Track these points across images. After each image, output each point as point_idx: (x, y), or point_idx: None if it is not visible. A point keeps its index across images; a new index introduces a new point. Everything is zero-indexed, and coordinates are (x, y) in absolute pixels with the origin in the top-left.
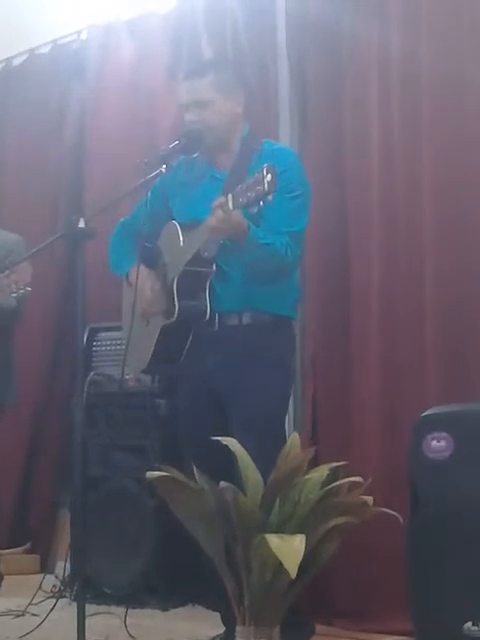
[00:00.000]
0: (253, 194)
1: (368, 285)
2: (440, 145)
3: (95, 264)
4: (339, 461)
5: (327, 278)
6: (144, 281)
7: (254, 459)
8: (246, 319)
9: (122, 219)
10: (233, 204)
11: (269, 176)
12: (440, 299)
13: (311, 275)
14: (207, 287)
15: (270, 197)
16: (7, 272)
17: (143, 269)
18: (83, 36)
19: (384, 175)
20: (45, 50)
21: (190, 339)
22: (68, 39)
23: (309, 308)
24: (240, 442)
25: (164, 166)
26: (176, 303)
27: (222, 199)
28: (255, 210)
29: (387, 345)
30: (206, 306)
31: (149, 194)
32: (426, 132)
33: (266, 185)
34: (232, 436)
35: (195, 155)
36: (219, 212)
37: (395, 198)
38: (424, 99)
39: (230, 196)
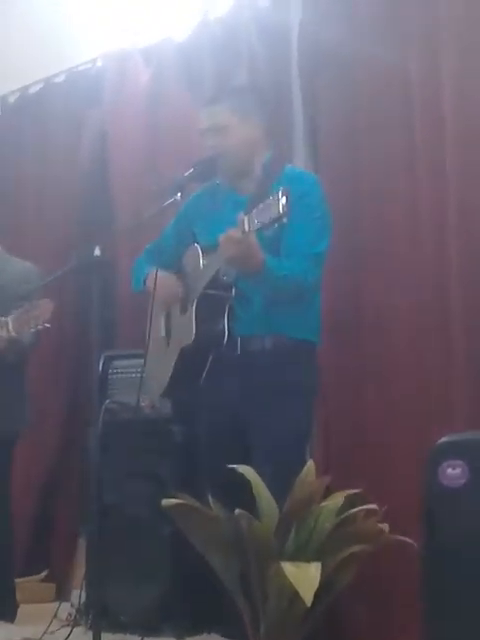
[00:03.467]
0: (267, 217)
1: (382, 310)
2: (462, 169)
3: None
4: (354, 488)
5: (338, 302)
6: (163, 280)
7: (271, 487)
8: (268, 344)
9: (147, 245)
10: (248, 225)
11: (284, 199)
12: (464, 328)
13: (322, 300)
14: (226, 311)
15: (285, 220)
16: (27, 307)
17: (162, 271)
18: (99, 64)
19: (403, 200)
20: (61, 78)
21: (209, 363)
22: (84, 67)
23: (327, 336)
24: (260, 470)
25: (179, 194)
26: (194, 326)
27: (239, 219)
28: (270, 233)
29: (402, 370)
30: (224, 330)
31: (174, 220)
32: (449, 155)
33: (281, 208)
34: (251, 463)
35: (218, 182)
36: (232, 233)
37: (413, 221)
38: (445, 120)
39: (246, 218)
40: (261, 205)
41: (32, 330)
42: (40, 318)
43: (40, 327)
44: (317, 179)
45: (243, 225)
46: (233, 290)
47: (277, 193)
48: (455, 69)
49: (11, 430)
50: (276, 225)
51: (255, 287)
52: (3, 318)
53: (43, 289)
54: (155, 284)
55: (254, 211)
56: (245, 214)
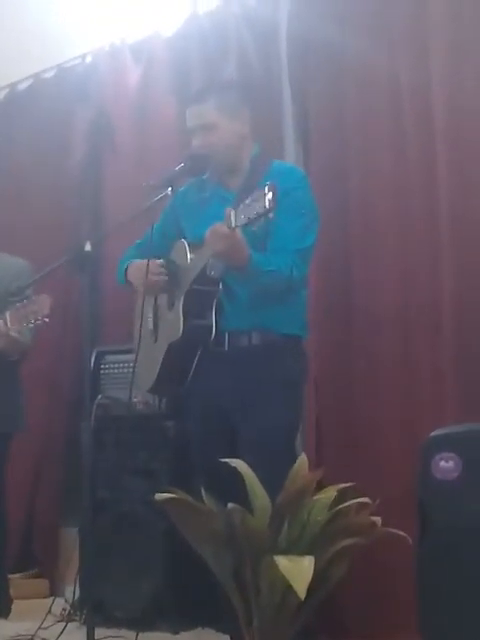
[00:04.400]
0: (254, 212)
1: (372, 305)
2: (452, 160)
3: (105, 287)
4: (347, 482)
5: (329, 297)
6: (139, 265)
7: (262, 480)
8: (256, 339)
9: (137, 241)
10: (235, 221)
11: (270, 194)
12: (453, 321)
13: (313, 295)
14: (214, 306)
15: (271, 215)
16: (25, 302)
17: (138, 260)
18: (88, 60)
19: (392, 195)
20: (50, 74)
21: (197, 359)
22: (73, 63)
23: (317, 331)
24: (249, 463)
25: (170, 189)
26: (181, 322)
27: (227, 212)
28: (257, 228)
29: (393, 365)
30: (212, 325)
31: (161, 215)
32: (439, 146)
33: (267, 203)
34: (241, 456)
35: (205, 176)
36: (218, 227)
37: (405, 220)
38: (434, 116)
39: (232, 213)
40: (248, 200)
41: (31, 325)
42: (39, 313)
43: (39, 322)
44: (304, 174)
45: (230, 219)
46: (220, 285)
47: (263, 188)
48: (443, 62)
49: (7, 428)
50: (263, 220)
51: (242, 282)
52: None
53: (35, 285)
54: (147, 271)
55: (241, 206)
56: (232, 209)
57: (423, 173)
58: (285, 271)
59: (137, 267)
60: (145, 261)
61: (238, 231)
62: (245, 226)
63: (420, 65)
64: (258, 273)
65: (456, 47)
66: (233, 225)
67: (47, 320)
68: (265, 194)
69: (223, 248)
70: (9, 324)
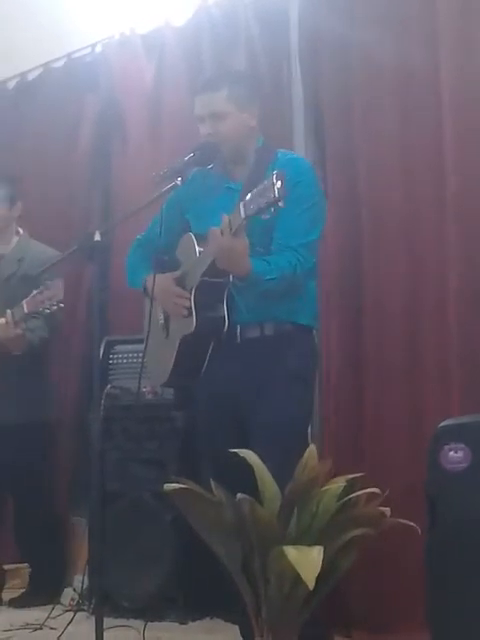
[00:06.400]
0: (263, 201)
1: (387, 299)
2: (462, 158)
3: (114, 276)
4: (356, 473)
5: (346, 292)
6: (162, 285)
7: (272, 471)
8: (268, 330)
9: (137, 236)
10: (244, 212)
11: (279, 182)
12: (461, 313)
13: (324, 288)
14: (225, 298)
15: (281, 203)
16: (41, 288)
17: (160, 276)
18: (98, 49)
19: (403, 189)
20: (60, 64)
21: (210, 351)
22: (83, 53)
23: (327, 322)
24: (258, 453)
25: (179, 178)
26: (194, 314)
27: (226, 218)
28: (267, 217)
29: (404, 356)
30: (224, 317)
31: (163, 208)
32: (447, 144)
33: (276, 192)
34: (250, 447)
35: (210, 167)
36: (219, 232)
37: (414, 212)
38: (444, 112)
39: (241, 204)
40: (256, 189)
41: (47, 311)
42: (54, 298)
43: (54, 307)
44: (310, 165)
45: (239, 212)
46: (231, 276)
47: (272, 176)
48: (454, 54)
49: (37, 417)
50: (272, 209)
51: (243, 289)
52: (9, 310)
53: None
54: (152, 294)
55: (249, 196)
56: (240, 201)
57: (433, 160)
58: (288, 273)
59: (161, 287)
60: (164, 278)
61: (237, 240)
62: (255, 215)
63: (431, 53)
64: (260, 282)
65: (467, 34)
66: (231, 229)
67: (62, 305)
68: (274, 183)
69: (220, 254)
70: (16, 318)
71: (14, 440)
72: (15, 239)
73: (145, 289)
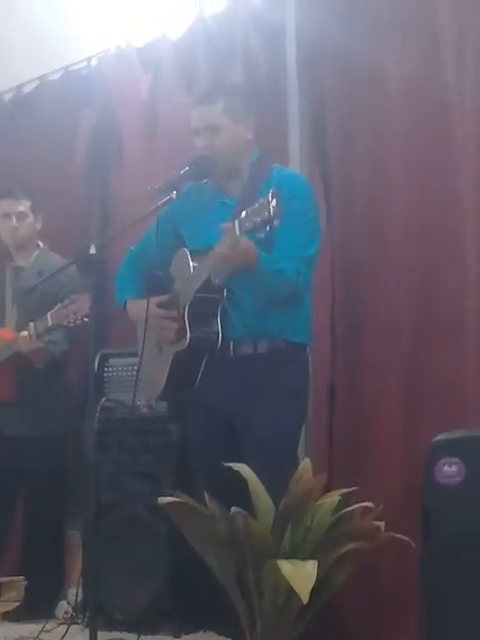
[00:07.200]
0: (259, 219)
1: (390, 314)
2: (468, 165)
3: (110, 290)
4: (351, 487)
5: (344, 305)
6: (150, 311)
7: (266, 486)
8: (262, 347)
9: (131, 247)
10: (239, 229)
11: (274, 201)
12: (459, 329)
13: (320, 298)
14: (219, 314)
15: (276, 222)
16: (66, 302)
17: (142, 303)
18: (94, 62)
19: (405, 202)
20: (56, 77)
21: (203, 366)
22: (79, 66)
23: (330, 337)
24: (252, 468)
25: (174, 192)
26: (188, 330)
27: (229, 224)
28: (262, 235)
29: (402, 372)
30: (218, 333)
31: (156, 222)
32: (456, 149)
33: (271, 210)
34: (244, 462)
35: (204, 181)
36: (227, 240)
37: (417, 222)
38: (450, 119)
39: (236, 222)
40: (251, 208)
41: (71, 325)
42: (79, 312)
43: (79, 321)
44: (307, 181)
45: (234, 229)
46: (225, 292)
47: (268, 195)
48: (455, 59)
49: (57, 429)
50: (267, 228)
51: (248, 289)
52: (31, 322)
53: (44, 285)
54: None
55: (244, 214)
56: (234, 217)
57: (442, 179)
58: (291, 274)
59: (138, 309)
60: (152, 302)
61: (243, 238)
62: (249, 233)
63: (432, 60)
64: (265, 273)
65: (469, 35)
66: (237, 234)
67: (87, 319)
68: (269, 201)
69: (232, 267)
70: (39, 330)
71: (33, 452)
72: (35, 252)
73: (125, 307)
